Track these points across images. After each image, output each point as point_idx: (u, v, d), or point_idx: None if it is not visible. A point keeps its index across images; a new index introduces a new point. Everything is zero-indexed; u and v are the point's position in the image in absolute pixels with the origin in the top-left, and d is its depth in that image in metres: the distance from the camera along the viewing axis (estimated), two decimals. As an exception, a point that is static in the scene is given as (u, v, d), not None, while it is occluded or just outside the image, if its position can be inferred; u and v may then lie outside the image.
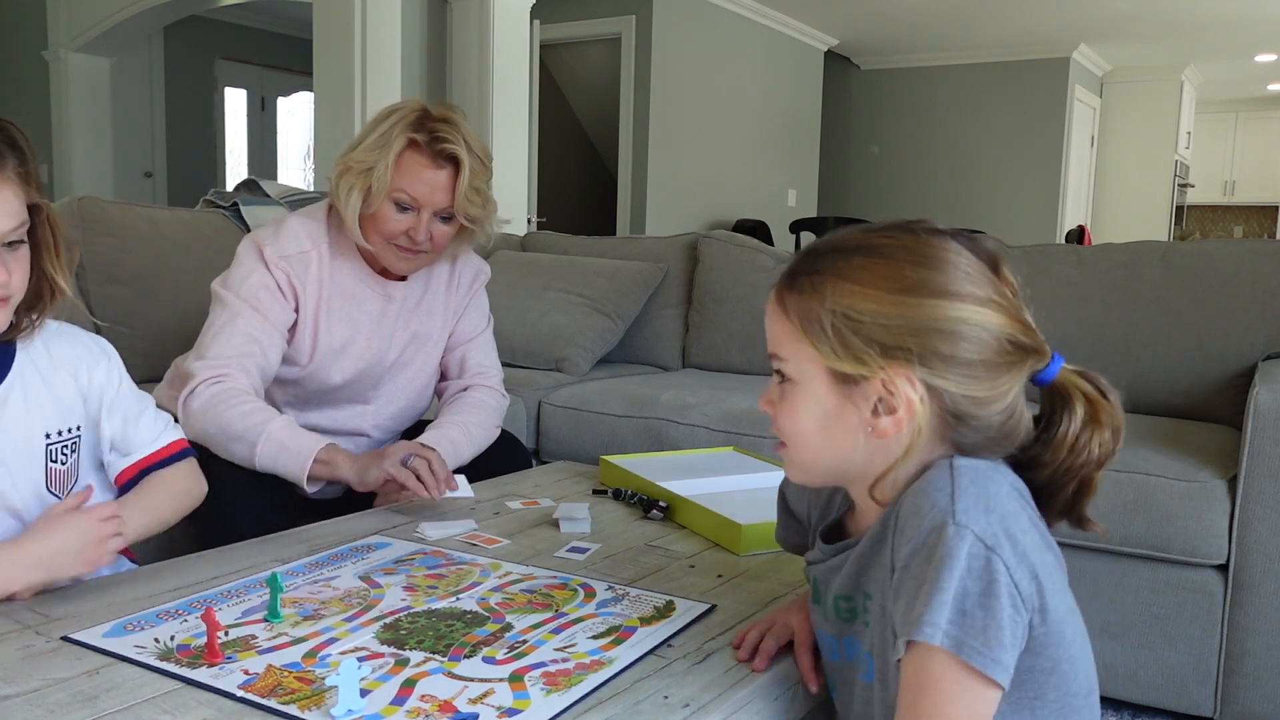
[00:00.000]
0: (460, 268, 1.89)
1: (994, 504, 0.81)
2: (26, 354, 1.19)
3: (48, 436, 1.20)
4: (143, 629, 1.04)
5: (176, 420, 1.69)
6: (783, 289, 0.90)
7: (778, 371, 0.90)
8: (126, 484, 1.28)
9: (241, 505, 1.52)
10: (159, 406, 1.79)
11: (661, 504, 1.54)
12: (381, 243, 1.69)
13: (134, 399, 1.31)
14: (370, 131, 1.66)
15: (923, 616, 0.77)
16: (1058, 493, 0.90)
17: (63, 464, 1.22)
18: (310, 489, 1.57)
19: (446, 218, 1.69)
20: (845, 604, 0.94)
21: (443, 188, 1.65)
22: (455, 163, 1.64)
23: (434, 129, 1.64)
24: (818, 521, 1.04)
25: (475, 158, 1.66)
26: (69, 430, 1.23)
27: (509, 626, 1.07)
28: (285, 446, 1.55)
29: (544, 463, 2.43)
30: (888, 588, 0.84)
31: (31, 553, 1.10)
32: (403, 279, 1.80)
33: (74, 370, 1.24)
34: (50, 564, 1.11)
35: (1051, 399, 0.91)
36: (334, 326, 1.74)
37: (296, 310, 1.71)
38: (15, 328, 1.16)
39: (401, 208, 1.65)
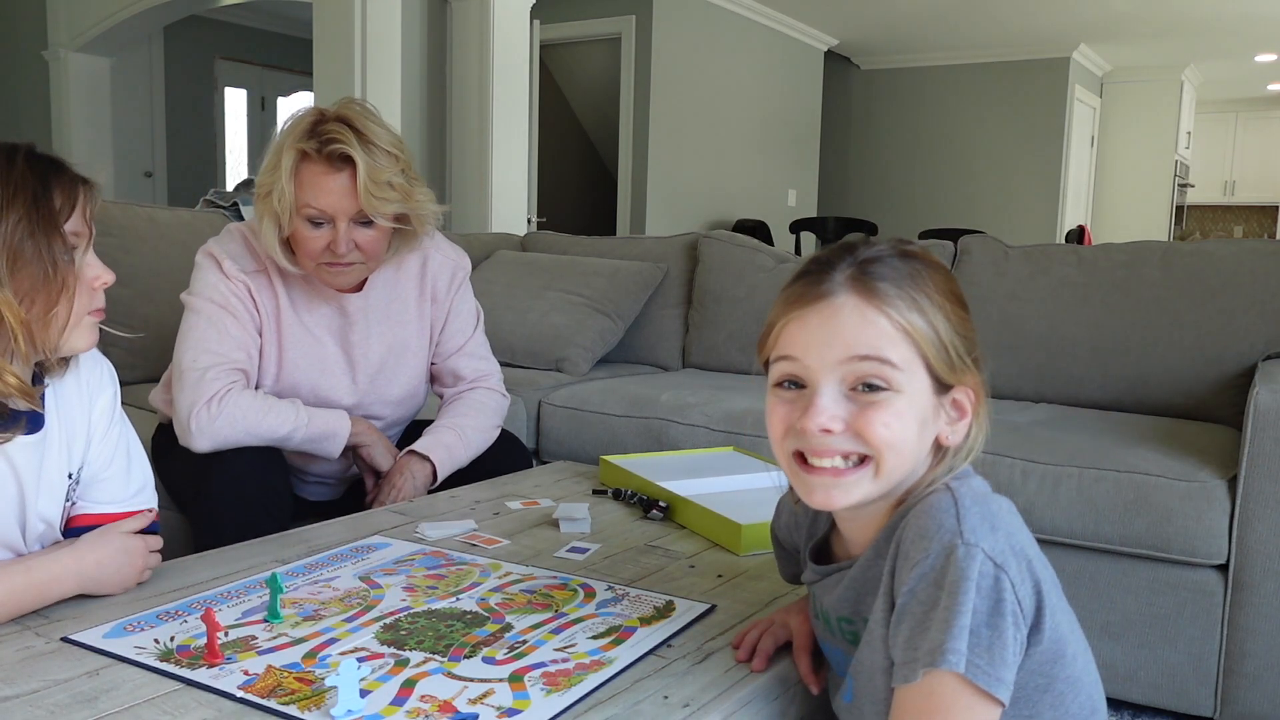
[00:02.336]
0: (434, 270, 1.81)
1: (998, 522, 0.82)
2: (53, 388, 1.15)
3: (70, 477, 1.18)
4: (143, 630, 1.04)
5: (168, 422, 1.70)
6: (879, 301, 0.86)
7: (867, 383, 0.85)
8: (79, 529, 1.18)
9: (233, 506, 1.52)
10: (154, 407, 1.81)
11: (661, 504, 1.54)
12: (310, 263, 1.62)
13: (121, 441, 1.24)
14: (267, 152, 1.59)
15: (945, 645, 0.76)
16: None
17: (70, 502, 1.20)
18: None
19: (366, 222, 1.58)
20: (848, 627, 0.94)
21: (346, 192, 1.54)
22: (351, 162, 1.54)
23: (324, 132, 1.54)
24: (805, 543, 1.05)
25: (377, 151, 1.54)
26: (79, 470, 1.19)
27: (509, 627, 1.07)
28: (319, 438, 1.65)
29: (544, 463, 2.43)
30: (883, 614, 0.84)
31: (71, 566, 1.10)
32: (358, 290, 1.73)
33: (89, 401, 1.19)
34: (88, 577, 1.11)
35: None
36: (296, 341, 1.69)
37: (260, 323, 1.67)
38: (61, 362, 1.14)
39: (315, 223, 1.57)
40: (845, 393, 0.86)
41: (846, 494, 0.87)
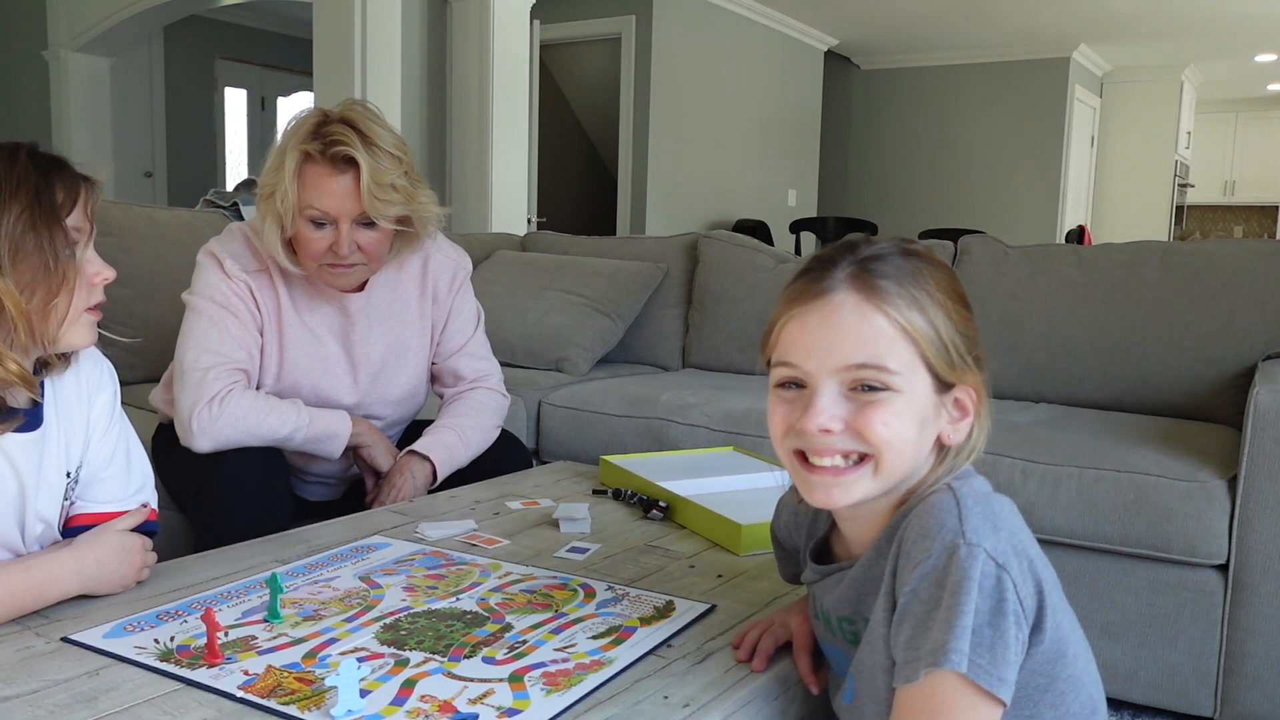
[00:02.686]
0: (435, 270, 1.81)
1: (1000, 521, 0.82)
2: (52, 386, 1.15)
3: (68, 475, 1.17)
4: (143, 630, 1.04)
5: (168, 422, 1.70)
6: (879, 299, 0.86)
7: (866, 384, 0.85)
8: (77, 529, 1.18)
9: (233, 506, 1.52)
10: (154, 407, 1.80)
11: (661, 504, 1.54)
12: (312, 264, 1.62)
13: (121, 440, 1.23)
14: (271, 152, 1.59)
15: (948, 644, 0.76)
16: None
17: (69, 501, 1.19)
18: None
19: (368, 223, 1.59)
20: (849, 627, 0.94)
21: (350, 194, 1.54)
22: (355, 164, 1.54)
23: (328, 134, 1.54)
24: (805, 543, 1.05)
25: (380, 153, 1.55)
26: (77, 469, 1.19)
27: (509, 627, 1.07)
28: (320, 439, 1.65)
29: (544, 463, 2.43)
30: (884, 614, 0.84)
31: (70, 565, 1.10)
32: (359, 290, 1.73)
33: (87, 400, 1.19)
34: (88, 576, 1.11)
35: None
36: (297, 340, 1.69)
37: (261, 324, 1.67)
38: (61, 359, 1.14)
39: (318, 224, 1.57)
40: (845, 392, 0.86)
41: (846, 492, 0.87)
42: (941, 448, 0.90)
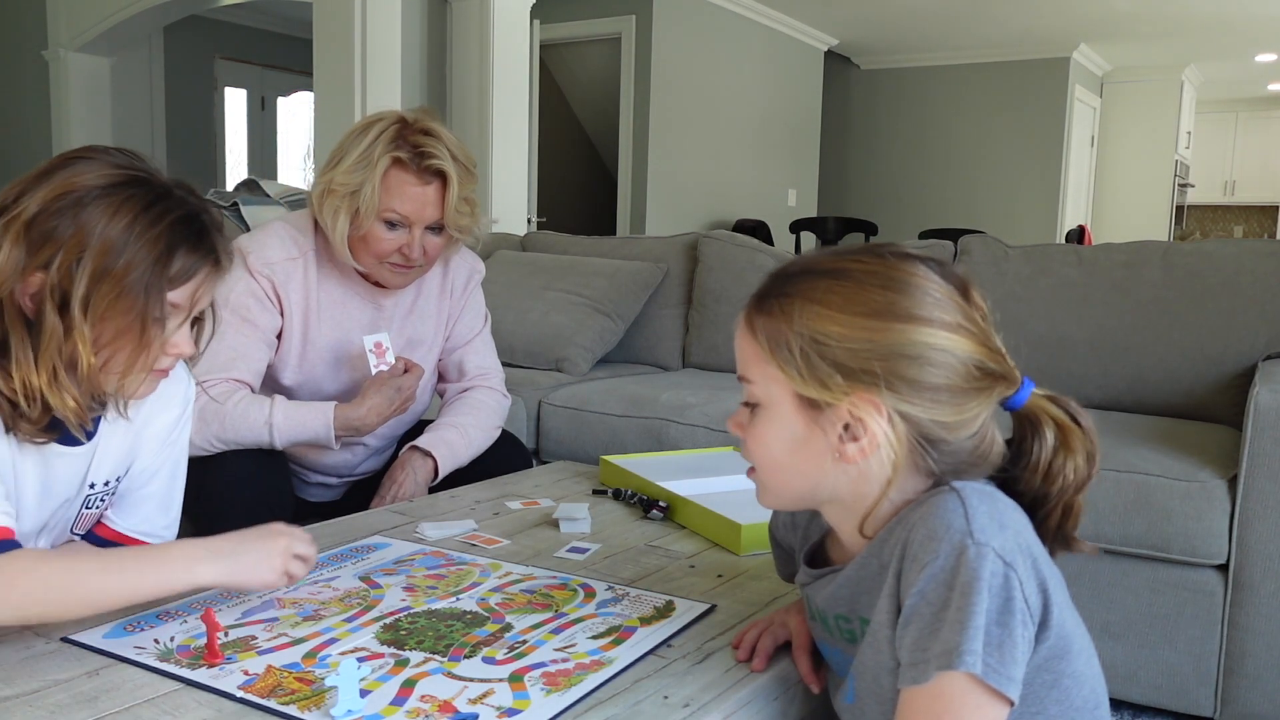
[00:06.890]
0: (453, 271, 1.87)
1: (1006, 520, 0.81)
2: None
3: (91, 486, 1.15)
4: (143, 630, 1.04)
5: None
6: (752, 311, 0.90)
7: (747, 399, 0.91)
8: (104, 539, 1.21)
9: (234, 507, 1.52)
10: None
11: (661, 504, 1.54)
12: (373, 262, 1.67)
13: (170, 465, 1.23)
14: (349, 149, 1.62)
15: (961, 645, 0.76)
16: (1041, 518, 0.89)
17: (95, 509, 1.18)
18: (337, 445, 1.66)
19: (437, 229, 1.67)
20: (845, 625, 0.94)
21: (432, 203, 1.63)
22: (443, 176, 1.62)
23: (417, 143, 1.61)
24: (800, 545, 1.05)
25: (461, 168, 1.64)
26: (115, 480, 1.18)
27: (509, 627, 1.07)
28: (301, 422, 1.63)
29: (544, 463, 2.43)
30: (888, 615, 0.84)
31: (211, 548, 1.04)
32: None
33: (145, 417, 1.17)
34: (229, 567, 1.03)
35: (1021, 425, 0.91)
36: (324, 333, 1.72)
37: (282, 315, 1.69)
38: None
39: (391, 225, 1.64)
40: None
41: (760, 495, 0.94)
42: (930, 474, 0.87)
